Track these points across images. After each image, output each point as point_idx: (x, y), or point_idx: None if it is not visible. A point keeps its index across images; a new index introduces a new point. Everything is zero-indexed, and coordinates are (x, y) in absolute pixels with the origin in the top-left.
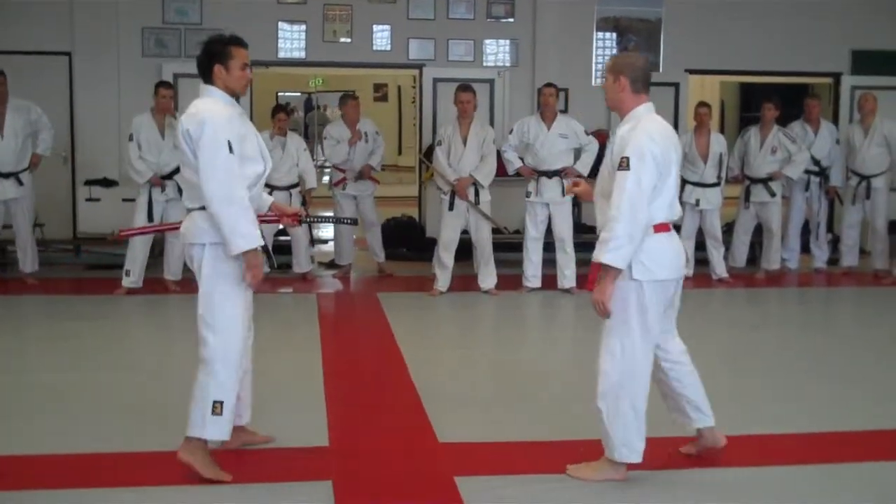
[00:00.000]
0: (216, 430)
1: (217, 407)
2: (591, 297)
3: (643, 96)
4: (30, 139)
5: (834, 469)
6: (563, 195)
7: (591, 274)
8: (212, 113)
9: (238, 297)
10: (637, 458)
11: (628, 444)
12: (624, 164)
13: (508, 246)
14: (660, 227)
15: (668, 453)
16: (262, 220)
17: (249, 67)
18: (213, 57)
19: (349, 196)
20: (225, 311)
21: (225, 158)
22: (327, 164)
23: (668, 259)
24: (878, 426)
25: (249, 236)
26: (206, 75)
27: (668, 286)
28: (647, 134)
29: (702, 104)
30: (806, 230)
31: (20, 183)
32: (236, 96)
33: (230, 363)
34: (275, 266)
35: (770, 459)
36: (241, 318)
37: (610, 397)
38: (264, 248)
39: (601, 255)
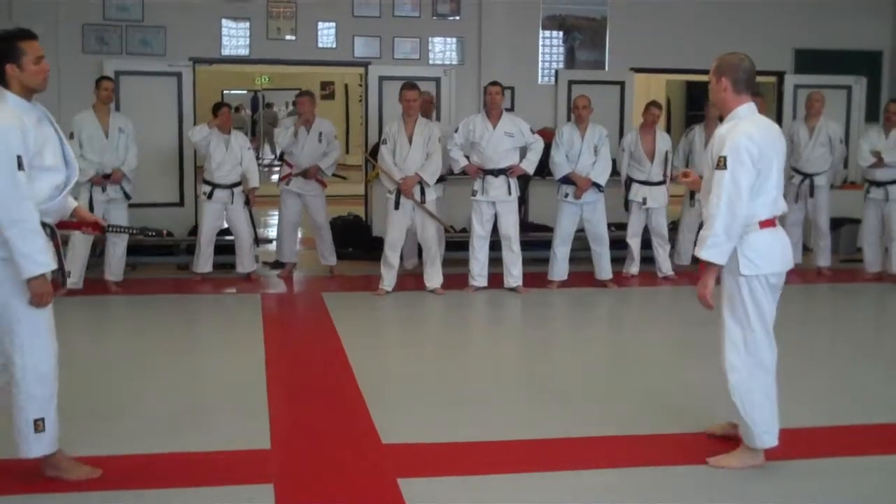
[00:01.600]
0: (41, 448)
1: (39, 424)
2: (697, 292)
3: (745, 97)
4: None
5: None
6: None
7: (700, 269)
8: (2, 126)
9: (40, 311)
10: (776, 441)
11: (769, 430)
12: (721, 164)
13: (455, 244)
14: (764, 223)
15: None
16: (63, 226)
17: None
18: (2, 57)
19: (293, 193)
20: (29, 328)
21: (12, 177)
22: (276, 162)
23: (773, 253)
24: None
25: (38, 262)
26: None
27: (775, 279)
28: (745, 134)
29: (655, 104)
30: None
31: None
32: (36, 93)
33: (44, 378)
34: (65, 285)
35: None
36: (47, 331)
37: (742, 390)
38: (58, 267)
39: (700, 251)
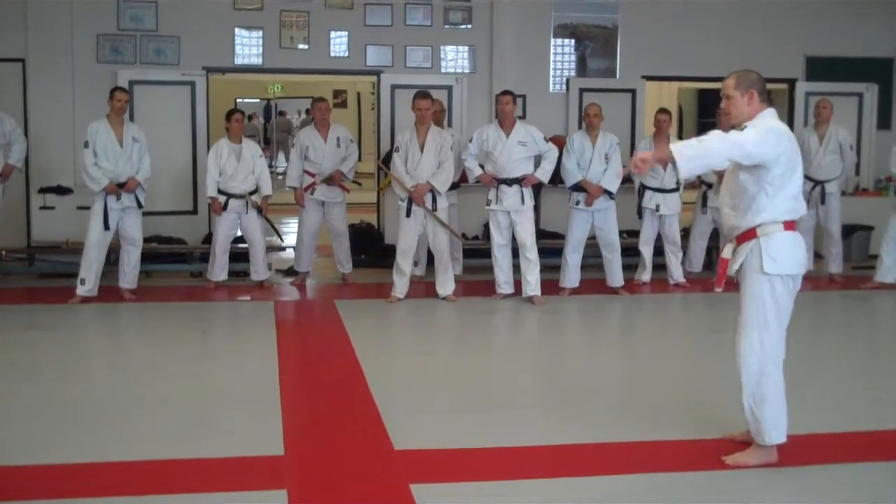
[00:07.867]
0: None
1: None
2: (636, 158)
3: (766, 105)
4: (0, 150)
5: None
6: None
7: (720, 269)
8: None
9: None
10: (784, 438)
11: (777, 426)
12: (740, 128)
13: (473, 252)
14: (787, 225)
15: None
16: None
17: None
18: None
19: (317, 201)
20: None
21: None
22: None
23: (794, 255)
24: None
25: None
26: None
27: (795, 280)
28: (779, 125)
29: (662, 111)
30: None
31: None
32: None
33: None
34: None
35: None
36: None
37: (753, 385)
38: None
39: (676, 145)
